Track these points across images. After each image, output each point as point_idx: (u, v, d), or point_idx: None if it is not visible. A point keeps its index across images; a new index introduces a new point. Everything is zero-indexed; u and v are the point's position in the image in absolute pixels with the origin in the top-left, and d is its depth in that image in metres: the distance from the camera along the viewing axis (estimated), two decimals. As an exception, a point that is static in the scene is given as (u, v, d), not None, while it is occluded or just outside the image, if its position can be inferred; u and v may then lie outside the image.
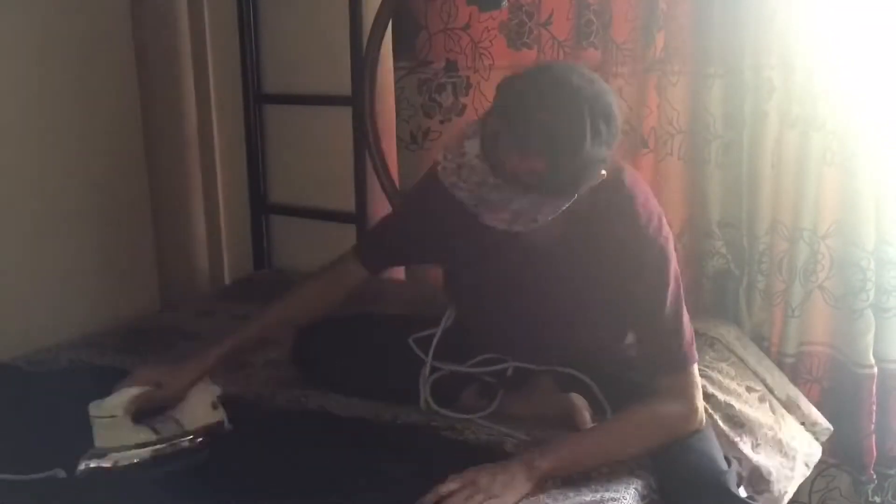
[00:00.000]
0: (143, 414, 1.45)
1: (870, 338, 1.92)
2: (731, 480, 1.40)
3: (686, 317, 1.48)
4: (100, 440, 1.39)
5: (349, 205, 2.52)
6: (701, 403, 1.48)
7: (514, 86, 1.31)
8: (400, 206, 1.75)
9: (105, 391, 1.44)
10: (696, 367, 1.48)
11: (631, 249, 1.43)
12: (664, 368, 1.45)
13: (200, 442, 1.48)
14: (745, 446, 1.68)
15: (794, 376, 2.03)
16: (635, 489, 1.39)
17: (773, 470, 1.70)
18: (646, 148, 2.08)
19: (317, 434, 1.54)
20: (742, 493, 1.45)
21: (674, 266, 1.46)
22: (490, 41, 2.16)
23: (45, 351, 1.98)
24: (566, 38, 2.09)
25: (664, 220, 1.48)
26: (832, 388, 2.02)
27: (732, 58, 1.95)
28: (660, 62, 2.01)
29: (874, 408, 1.94)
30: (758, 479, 1.70)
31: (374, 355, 1.66)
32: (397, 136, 2.34)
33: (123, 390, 1.42)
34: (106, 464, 1.38)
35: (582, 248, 1.45)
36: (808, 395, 2.04)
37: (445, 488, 1.29)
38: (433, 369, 1.63)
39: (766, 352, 2.06)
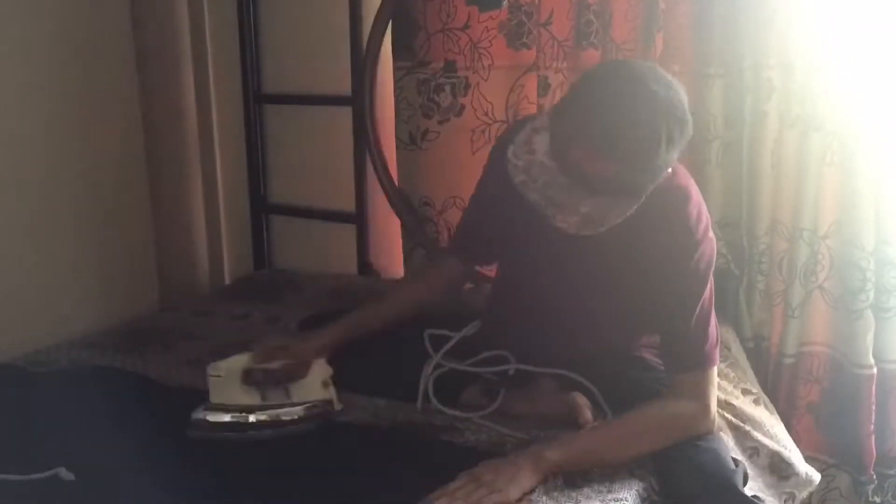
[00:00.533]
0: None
1: (869, 338, 1.91)
2: (739, 480, 1.40)
3: (714, 320, 1.49)
4: (213, 396, 1.57)
5: (349, 205, 2.53)
6: (715, 406, 1.48)
7: (591, 83, 1.29)
8: (472, 196, 1.75)
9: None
10: (715, 371, 1.48)
11: (679, 248, 1.42)
12: (684, 366, 1.46)
13: (302, 418, 1.56)
14: (759, 434, 1.68)
15: (794, 376, 2.03)
16: (636, 491, 1.39)
17: (792, 454, 1.70)
18: (646, 148, 2.07)
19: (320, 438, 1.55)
20: (748, 492, 1.44)
21: (710, 275, 1.47)
22: (489, 41, 2.15)
23: (45, 351, 1.97)
24: (566, 38, 2.09)
25: (710, 225, 1.48)
26: (832, 388, 2.01)
27: (732, 58, 1.94)
28: (660, 62, 1.99)
29: (874, 408, 1.94)
30: (780, 465, 1.70)
31: (387, 354, 1.67)
32: (396, 137, 2.33)
33: (238, 356, 1.59)
34: (211, 417, 1.53)
35: (631, 242, 1.43)
36: (807, 396, 2.05)
37: (452, 486, 1.29)
38: (436, 366, 1.63)
39: (766, 352, 2.07)
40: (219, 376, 1.56)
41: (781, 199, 1.97)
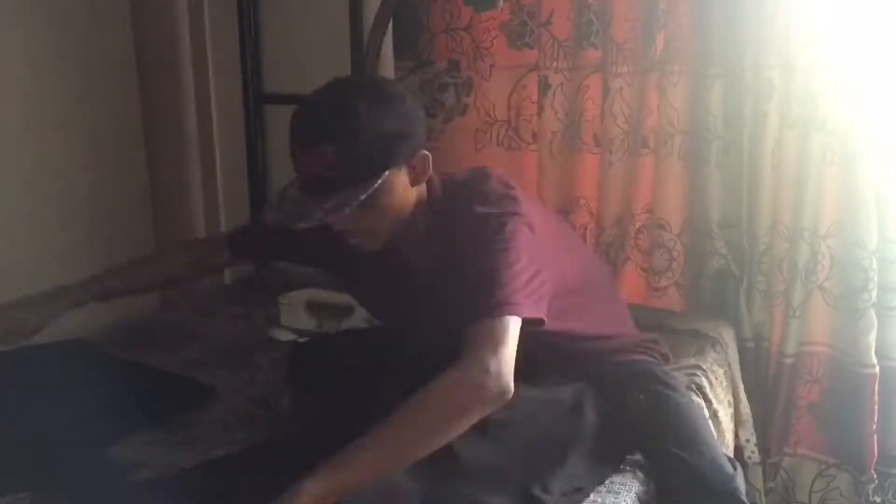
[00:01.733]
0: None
1: (872, 337, 1.92)
2: (740, 486, 1.39)
3: (522, 276, 1.25)
4: (283, 319, 2.12)
5: (349, 205, 2.52)
6: (503, 363, 1.17)
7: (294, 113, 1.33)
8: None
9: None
10: (513, 322, 1.20)
11: (470, 226, 1.31)
12: (472, 315, 1.21)
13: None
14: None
15: (794, 376, 2.04)
16: (636, 494, 1.39)
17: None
18: (646, 148, 2.08)
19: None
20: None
21: (513, 230, 1.28)
22: (491, 41, 2.16)
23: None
24: (566, 37, 2.10)
25: (511, 193, 1.35)
26: (832, 388, 2.02)
27: (733, 58, 1.95)
28: (660, 62, 2.02)
29: (875, 407, 1.94)
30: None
31: (365, 371, 1.58)
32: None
33: (302, 290, 2.11)
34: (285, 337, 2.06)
35: (443, 264, 1.35)
36: (808, 396, 2.05)
37: None
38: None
39: (766, 352, 2.07)
40: (288, 304, 2.09)
41: (782, 199, 1.98)
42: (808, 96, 1.88)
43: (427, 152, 1.31)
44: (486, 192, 1.35)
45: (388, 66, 2.34)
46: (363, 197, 1.23)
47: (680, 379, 1.60)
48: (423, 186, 1.36)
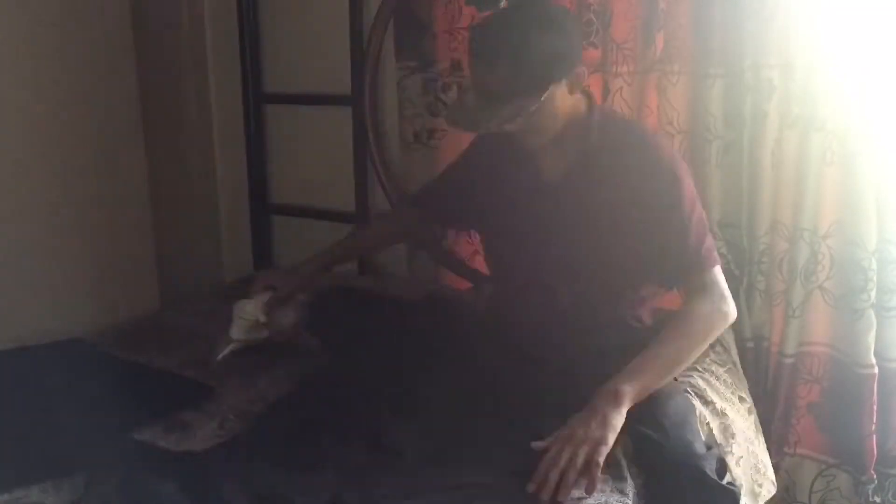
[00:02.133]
0: None
1: (871, 337, 1.91)
2: (709, 465, 1.39)
3: (706, 226, 1.61)
4: (234, 332, 1.88)
5: (350, 204, 2.53)
6: (730, 298, 1.58)
7: (474, 26, 1.61)
8: (445, 168, 1.98)
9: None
10: (719, 269, 1.58)
11: (643, 174, 1.56)
12: (688, 270, 1.57)
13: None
14: (731, 459, 1.66)
15: (794, 376, 2.04)
16: (635, 493, 1.38)
17: (745, 484, 1.68)
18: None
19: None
20: (725, 477, 1.43)
21: (688, 185, 1.59)
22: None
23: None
24: (566, 38, 2.09)
25: (676, 154, 1.63)
26: (832, 388, 2.01)
27: (733, 58, 1.94)
28: (660, 62, 2.01)
29: (875, 408, 1.94)
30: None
31: (388, 325, 1.73)
32: (400, 136, 2.34)
33: (258, 298, 1.88)
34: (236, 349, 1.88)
35: (599, 183, 1.58)
36: (807, 396, 2.05)
37: (550, 454, 1.32)
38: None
39: (766, 352, 2.07)
40: (253, 319, 1.87)
41: (782, 199, 1.97)
42: (807, 96, 1.88)
43: (584, 67, 1.55)
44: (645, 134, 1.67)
45: (389, 66, 2.34)
46: (531, 109, 1.48)
47: None
48: (579, 96, 1.58)
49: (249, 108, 2.63)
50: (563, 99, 1.54)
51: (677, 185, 1.57)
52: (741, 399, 1.86)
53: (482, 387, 1.57)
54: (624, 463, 1.42)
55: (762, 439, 1.88)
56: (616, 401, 1.38)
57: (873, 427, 1.95)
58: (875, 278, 1.89)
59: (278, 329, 1.89)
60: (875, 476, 1.98)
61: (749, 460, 1.75)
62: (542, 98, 1.48)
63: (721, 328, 1.57)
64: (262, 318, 1.86)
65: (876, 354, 1.92)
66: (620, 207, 1.57)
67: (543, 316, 1.64)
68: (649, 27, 1.99)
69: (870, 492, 1.99)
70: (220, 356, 1.86)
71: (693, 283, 1.58)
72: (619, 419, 1.38)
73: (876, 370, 1.92)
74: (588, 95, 1.63)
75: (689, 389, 1.69)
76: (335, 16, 2.40)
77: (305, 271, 1.93)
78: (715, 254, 1.59)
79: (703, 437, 1.52)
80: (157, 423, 1.61)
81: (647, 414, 1.45)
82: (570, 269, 1.63)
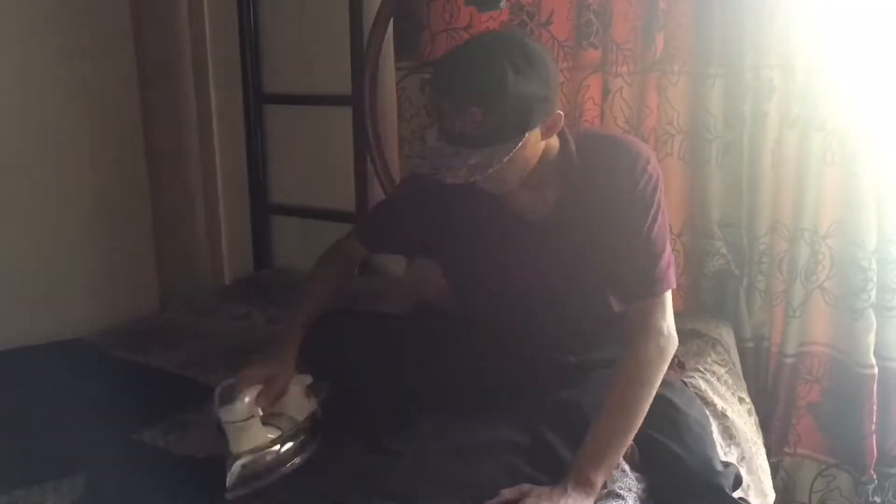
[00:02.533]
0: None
1: (871, 337, 1.91)
2: (726, 482, 1.40)
3: (668, 247, 1.52)
4: (235, 445, 1.40)
5: (350, 205, 2.52)
6: (671, 327, 1.48)
7: (438, 61, 1.44)
8: (387, 196, 1.87)
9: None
10: (669, 295, 1.50)
11: (620, 186, 1.48)
12: (637, 293, 1.49)
13: (310, 431, 1.51)
14: (732, 458, 1.67)
15: (794, 376, 2.04)
16: (635, 494, 1.39)
17: (751, 484, 1.69)
18: (646, 148, 2.07)
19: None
20: (737, 494, 1.44)
21: (658, 200, 1.50)
22: (491, 41, 2.15)
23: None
24: (566, 38, 2.09)
25: (653, 160, 1.51)
26: (832, 388, 2.01)
27: (733, 58, 1.94)
28: (660, 62, 2.01)
29: (875, 407, 1.94)
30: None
31: (383, 353, 1.65)
32: (399, 136, 2.33)
33: (247, 392, 1.44)
34: (252, 466, 1.39)
35: (578, 214, 1.50)
36: (807, 395, 2.05)
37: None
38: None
39: (766, 352, 2.07)
40: (247, 420, 1.41)
41: (782, 198, 1.97)
42: (807, 96, 1.88)
43: (561, 112, 1.41)
44: (621, 146, 1.52)
45: (388, 67, 2.34)
46: (506, 158, 1.33)
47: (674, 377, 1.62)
48: (556, 141, 1.48)
49: (249, 109, 2.62)
50: (535, 146, 1.41)
51: (646, 206, 1.49)
52: (741, 400, 1.86)
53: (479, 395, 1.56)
54: (626, 468, 1.42)
55: (762, 441, 1.89)
56: (586, 491, 1.33)
57: (873, 427, 1.95)
58: (875, 278, 1.89)
59: (289, 421, 1.50)
60: (875, 476, 1.98)
61: (755, 461, 1.76)
62: (517, 147, 1.34)
63: (664, 367, 1.45)
64: (259, 410, 1.44)
65: (876, 354, 1.93)
66: (597, 238, 1.51)
67: (514, 334, 1.61)
68: (649, 27, 1.99)
69: (870, 492, 1.99)
70: (229, 486, 1.36)
71: (641, 309, 1.48)
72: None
73: (876, 370, 1.92)
74: (561, 134, 1.50)
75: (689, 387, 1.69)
76: (335, 16, 2.39)
77: (287, 356, 1.59)
78: (671, 276, 1.50)
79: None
80: (156, 424, 1.61)
81: (665, 422, 1.45)
82: (542, 302, 1.58)
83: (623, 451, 1.41)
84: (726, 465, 1.46)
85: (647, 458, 1.45)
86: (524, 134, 1.34)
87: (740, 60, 1.94)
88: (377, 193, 2.45)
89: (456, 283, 1.74)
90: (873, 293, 1.90)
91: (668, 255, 1.51)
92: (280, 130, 2.66)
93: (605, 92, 2.06)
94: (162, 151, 2.49)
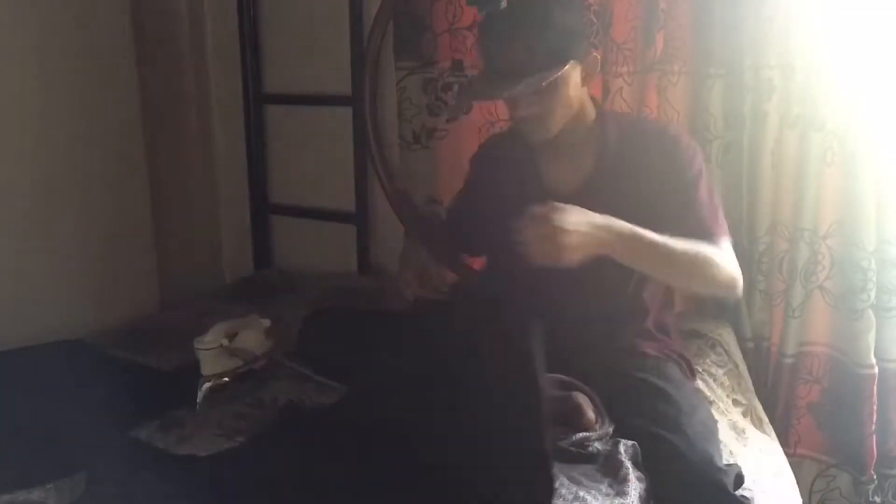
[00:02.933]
0: None
1: (871, 338, 1.91)
2: (728, 479, 1.39)
3: (718, 204, 1.58)
4: (205, 368, 1.71)
5: (350, 205, 2.53)
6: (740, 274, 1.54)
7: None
8: (455, 196, 1.93)
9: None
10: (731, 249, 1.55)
11: (667, 157, 1.56)
12: (705, 235, 1.51)
13: (265, 365, 1.81)
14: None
15: (794, 376, 2.03)
16: (638, 493, 1.38)
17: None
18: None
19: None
20: (740, 492, 1.44)
21: (704, 177, 1.57)
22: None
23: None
24: (566, 37, 2.09)
25: (693, 144, 1.60)
26: (832, 388, 2.02)
27: (732, 58, 1.94)
28: (660, 62, 2.01)
29: (875, 407, 1.94)
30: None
31: (378, 349, 1.66)
32: (399, 136, 2.33)
33: (218, 325, 1.75)
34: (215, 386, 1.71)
35: (617, 191, 1.55)
36: (807, 396, 2.05)
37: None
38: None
39: (766, 352, 2.07)
40: (213, 348, 1.72)
41: (782, 199, 1.97)
42: (807, 96, 1.88)
43: (597, 55, 1.56)
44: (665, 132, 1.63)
45: (388, 67, 2.34)
46: (550, 79, 1.44)
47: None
48: (587, 98, 1.59)
49: (250, 108, 2.62)
50: (576, 88, 1.53)
51: (694, 182, 1.55)
52: (735, 402, 1.85)
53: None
54: (629, 465, 1.42)
55: (773, 438, 1.87)
56: (606, 221, 1.40)
57: (873, 427, 1.95)
58: (875, 278, 1.89)
59: (247, 353, 1.78)
60: (875, 476, 1.98)
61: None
62: (561, 72, 1.45)
63: (724, 278, 1.50)
64: (225, 342, 1.74)
65: (875, 355, 1.93)
66: (638, 211, 1.50)
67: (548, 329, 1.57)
68: (649, 27, 1.99)
69: (870, 492, 1.99)
70: (198, 401, 1.69)
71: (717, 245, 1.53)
72: (592, 220, 1.39)
73: (876, 370, 1.92)
74: (594, 99, 1.62)
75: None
76: (335, 16, 2.39)
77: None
78: (725, 225, 1.57)
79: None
80: (155, 422, 1.61)
81: (669, 419, 1.45)
82: (577, 283, 1.54)
83: (644, 264, 1.46)
84: (728, 464, 1.46)
85: (648, 456, 1.44)
86: (568, 61, 1.47)
87: (740, 60, 1.94)
88: (377, 193, 2.46)
89: (496, 259, 1.79)
90: (873, 293, 1.90)
91: (719, 207, 1.58)
92: (280, 130, 2.66)
93: (605, 92, 2.06)
94: (162, 151, 2.49)
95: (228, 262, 2.80)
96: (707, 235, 1.51)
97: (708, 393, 1.75)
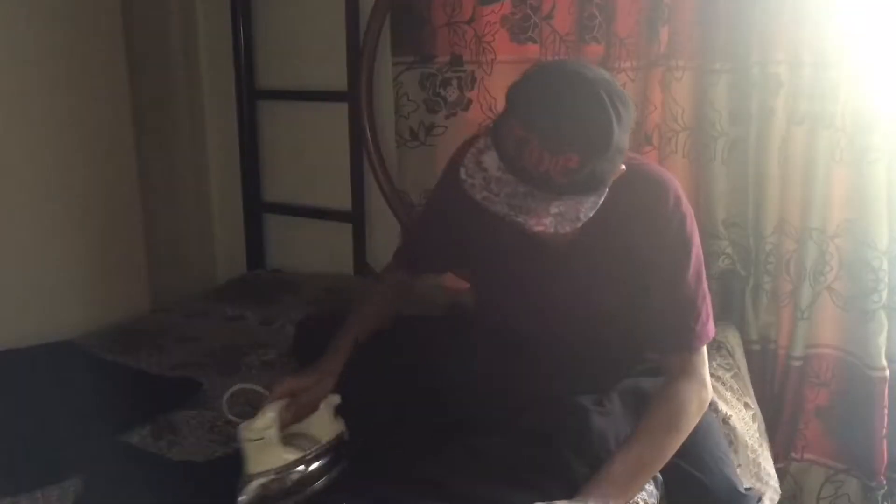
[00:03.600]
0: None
1: (882, 339, 1.88)
2: None
3: (707, 295, 1.46)
4: (254, 465, 1.30)
5: (346, 203, 2.50)
6: (709, 382, 1.45)
7: (527, 90, 1.25)
8: (422, 209, 1.79)
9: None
10: (705, 349, 1.46)
11: (657, 229, 1.41)
12: (677, 346, 1.43)
13: (335, 454, 1.41)
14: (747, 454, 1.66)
15: (802, 379, 2.01)
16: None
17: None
18: (649, 145, 2.04)
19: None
20: None
21: (695, 242, 1.43)
22: (493, 35, 2.12)
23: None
24: (568, 31, 2.06)
25: (683, 197, 1.44)
26: (840, 391, 1.99)
27: (739, 53, 1.91)
28: (664, 57, 1.97)
29: (886, 411, 1.91)
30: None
31: (378, 356, 1.60)
32: (396, 133, 2.31)
33: (268, 408, 1.34)
34: (271, 486, 1.30)
35: (608, 239, 1.42)
36: (815, 399, 2.02)
37: None
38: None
39: (773, 355, 2.04)
40: (260, 439, 1.31)
41: (789, 197, 1.94)
42: (816, 92, 1.85)
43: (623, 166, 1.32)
44: (660, 185, 1.43)
45: (385, 61, 2.31)
46: (592, 213, 1.23)
47: None
48: None
49: (242, 104, 2.60)
50: None
51: (685, 249, 1.42)
52: (746, 406, 1.84)
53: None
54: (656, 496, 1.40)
55: (766, 446, 1.86)
56: None
57: (884, 431, 1.92)
58: (886, 279, 1.87)
59: (311, 441, 1.40)
60: (885, 482, 1.95)
61: (750, 469, 1.73)
62: (601, 200, 1.25)
63: (699, 418, 1.41)
64: (272, 434, 1.32)
65: (887, 357, 1.90)
66: (627, 275, 1.44)
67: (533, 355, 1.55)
68: (653, 21, 1.96)
69: (879, 498, 1.96)
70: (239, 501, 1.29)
71: (681, 360, 1.43)
72: None
73: (887, 373, 1.90)
74: None
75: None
76: (330, 9, 2.37)
77: (335, 370, 1.50)
78: (710, 327, 1.46)
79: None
80: (147, 426, 1.59)
81: (687, 446, 1.40)
82: (567, 332, 1.53)
83: (644, 484, 1.36)
84: (748, 488, 1.44)
85: (667, 482, 1.42)
86: (608, 186, 1.26)
87: (747, 55, 1.90)
88: (374, 191, 2.43)
89: (480, 295, 1.71)
90: (884, 294, 1.87)
91: (707, 305, 1.45)
92: (274, 127, 2.64)
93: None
94: (153, 148, 2.47)
95: (221, 263, 2.78)
96: (684, 348, 1.42)
97: (716, 397, 1.71)
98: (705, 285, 1.46)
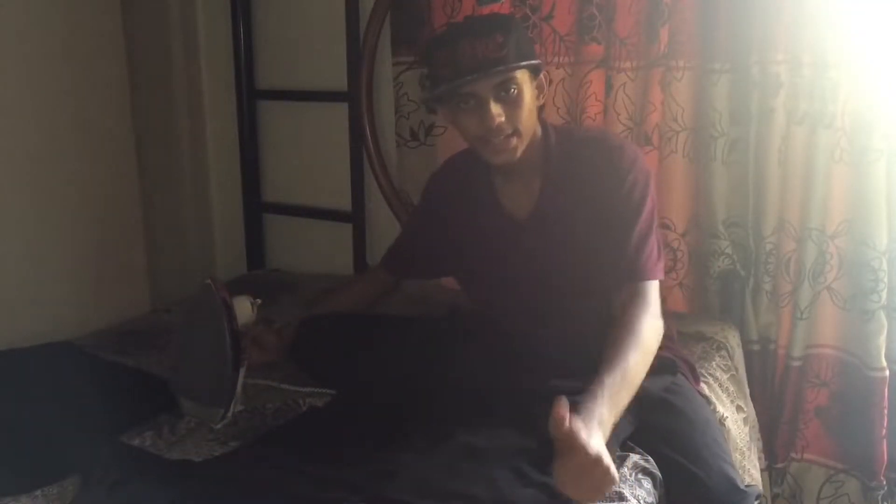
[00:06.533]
0: None
1: (881, 339, 1.88)
2: (749, 501, 1.38)
3: (658, 244, 1.56)
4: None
5: (346, 203, 2.50)
6: (660, 314, 1.51)
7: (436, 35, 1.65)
8: (407, 219, 2.00)
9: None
10: (657, 286, 1.53)
11: (611, 180, 1.54)
12: (629, 276, 1.51)
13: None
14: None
15: (801, 379, 2.01)
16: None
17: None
18: (649, 145, 2.04)
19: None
20: None
21: (650, 199, 1.55)
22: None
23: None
24: (568, 32, 2.06)
25: (641, 160, 1.57)
26: (840, 391, 1.99)
27: (739, 53, 1.91)
28: (664, 57, 1.97)
29: (886, 411, 1.91)
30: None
31: (371, 354, 1.65)
32: (396, 133, 2.31)
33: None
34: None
35: (564, 213, 1.56)
36: (815, 399, 2.02)
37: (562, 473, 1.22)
38: None
39: (773, 355, 2.04)
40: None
41: (789, 197, 1.94)
42: (816, 92, 1.85)
43: (543, 80, 1.56)
44: (614, 146, 1.59)
45: (385, 61, 2.31)
46: (522, 64, 1.47)
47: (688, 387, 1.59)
48: (537, 121, 1.57)
49: (243, 104, 2.60)
50: (532, 101, 1.52)
51: (639, 195, 1.54)
52: (739, 408, 1.84)
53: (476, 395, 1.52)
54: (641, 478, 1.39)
55: (755, 450, 1.86)
56: (604, 432, 1.27)
57: (884, 431, 1.92)
58: (886, 279, 1.86)
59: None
60: (885, 482, 1.95)
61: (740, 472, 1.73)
62: (524, 64, 1.48)
63: (656, 344, 1.46)
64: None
65: (886, 357, 1.90)
66: (585, 230, 1.55)
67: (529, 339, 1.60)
68: (653, 21, 1.96)
69: (879, 498, 1.96)
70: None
71: (633, 291, 1.50)
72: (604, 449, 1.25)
73: (887, 373, 1.90)
74: (542, 122, 1.61)
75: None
76: (330, 9, 2.37)
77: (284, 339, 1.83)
78: (660, 270, 1.55)
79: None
80: (146, 426, 1.59)
81: (684, 442, 1.43)
82: (544, 303, 1.61)
83: (628, 400, 1.36)
84: (748, 485, 1.45)
85: (667, 480, 1.42)
86: (532, 60, 1.50)
87: (746, 55, 1.90)
88: (374, 192, 2.42)
89: (468, 290, 1.80)
90: (884, 294, 1.87)
91: (657, 249, 1.55)
92: (274, 127, 2.63)
93: (608, 88, 2.03)
94: (153, 148, 2.47)
95: (221, 263, 2.77)
96: (635, 277, 1.51)
97: (713, 398, 1.71)
98: (656, 236, 1.56)
